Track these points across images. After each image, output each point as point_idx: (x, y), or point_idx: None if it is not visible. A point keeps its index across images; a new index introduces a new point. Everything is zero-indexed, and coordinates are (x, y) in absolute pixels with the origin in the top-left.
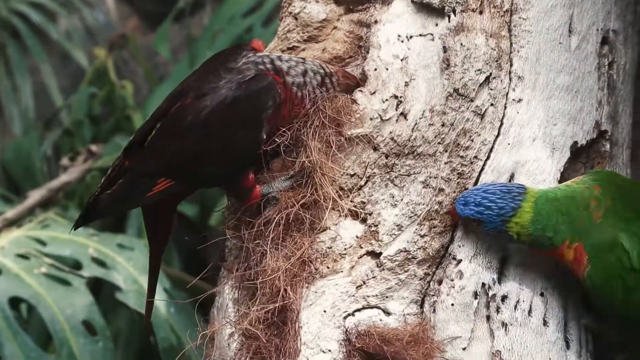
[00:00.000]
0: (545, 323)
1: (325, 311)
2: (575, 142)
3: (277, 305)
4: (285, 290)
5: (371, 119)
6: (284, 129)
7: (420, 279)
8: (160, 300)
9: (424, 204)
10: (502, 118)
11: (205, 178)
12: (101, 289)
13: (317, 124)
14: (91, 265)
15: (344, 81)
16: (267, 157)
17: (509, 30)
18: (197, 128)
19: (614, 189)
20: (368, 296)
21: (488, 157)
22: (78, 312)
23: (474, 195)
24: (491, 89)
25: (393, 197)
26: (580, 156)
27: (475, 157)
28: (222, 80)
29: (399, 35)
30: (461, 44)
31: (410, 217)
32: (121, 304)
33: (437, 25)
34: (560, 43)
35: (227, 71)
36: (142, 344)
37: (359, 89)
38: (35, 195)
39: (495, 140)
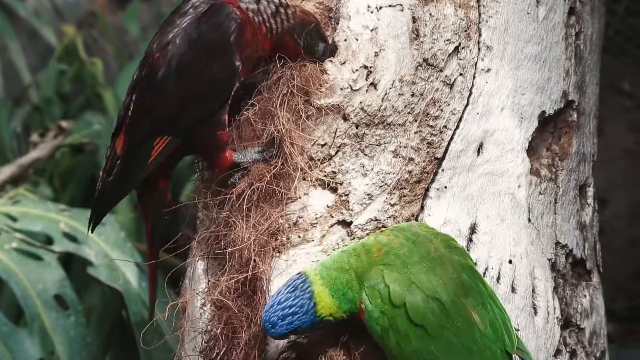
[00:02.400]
0: (513, 290)
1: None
2: (543, 112)
3: (246, 274)
4: (255, 260)
5: (341, 89)
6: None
7: None
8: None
9: (394, 173)
10: (471, 88)
11: (194, 123)
12: (73, 265)
13: (286, 92)
14: (62, 241)
15: (301, 15)
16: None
17: (478, 1)
18: (173, 75)
19: (409, 237)
20: None
21: (457, 127)
22: (49, 286)
23: (273, 313)
24: (460, 59)
25: (363, 166)
26: (548, 125)
27: (445, 126)
28: (179, 24)
29: (368, 6)
30: (430, 14)
31: (381, 186)
32: (94, 280)
33: None
34: (528, 13)
35: (182, 16)
36: (114, 320)
37: (329, 59)
38: (5, 172)
39: (464, 110)
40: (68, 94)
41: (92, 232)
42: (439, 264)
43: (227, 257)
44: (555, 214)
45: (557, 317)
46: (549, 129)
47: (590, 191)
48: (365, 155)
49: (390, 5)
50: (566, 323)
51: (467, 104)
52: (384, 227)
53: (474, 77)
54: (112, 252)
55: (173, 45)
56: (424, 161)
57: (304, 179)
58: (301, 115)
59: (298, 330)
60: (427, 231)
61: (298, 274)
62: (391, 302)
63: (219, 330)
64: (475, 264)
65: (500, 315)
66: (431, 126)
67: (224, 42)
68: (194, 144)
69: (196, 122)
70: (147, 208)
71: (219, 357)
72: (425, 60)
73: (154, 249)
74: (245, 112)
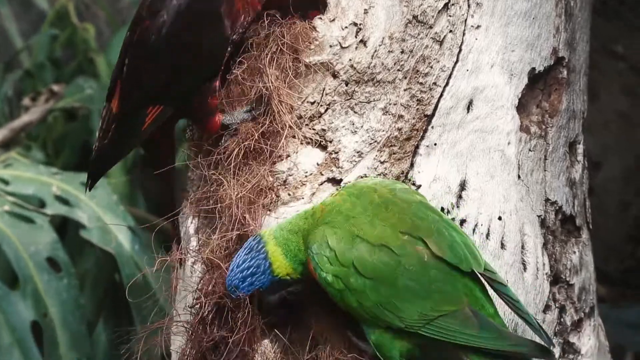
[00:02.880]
0: (502, 246)
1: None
2: (533, 69)
3: (236, 232)
4: (244, 217)
5: (330, 46)
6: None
7: None
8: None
9: (383, 131)
10: (461, 44)
11: (186, 93)
12: (68, 230)
13: (275, 50)
14: (55, 204)
15: None
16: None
17: None
18: (163, 44)
19: (352, 192)
20: None
21: (447, 84)
22: (42, 249)
23: (234, 277)
24: (450, 16)
25: (353, 124)
26: (538, 82)
27: (434, 83)
28: None
29: None
30: None
31: (370, 143)
32: (88, 245)
33: None
34: None
35: None
36: (107, 282)
37: (318, 16)
38: None
39: (454, 67)
40: (60, 59)
41: (89, 190)
42: (384, 209)
43: (217, 215)
44: (545, 170)
45: (546, 273)
46: (539, 86)
47: (580, 148)
48: (355, 112)
49: None
50: (555, 279)
51: (457, 61)
52: None
53: (464, 34)
54: (104, 215)
55: (163, 14)
56: (413, 118)
57: (294, 137)
58: (290, 73)
59: (260, 293)
60: (373, 183)
61: (253, 236)
62: (340, 263)
63: (209, 288)
64: (465, 220)
65: (461, 238)
66: (421, 83)
67: (212, 11)
68: (185, 109)
69: (188, 92)
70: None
71: (210, 315)
72: (414, 17)
73: None
74: (234, 70)
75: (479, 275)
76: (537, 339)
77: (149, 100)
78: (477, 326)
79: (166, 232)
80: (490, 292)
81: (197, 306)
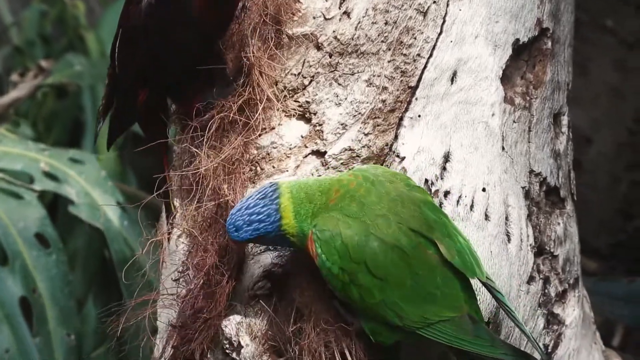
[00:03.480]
0: (486, 217)
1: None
2: (517, 40)
3: (216, 202)
4: (221, 187)
5: (314, 17)
6: None
7: None
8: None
9: (367, 103)
10: (445, 15)
11: (172, 77)
12: (58, 208)
13: (258, 21)
14: (43, 180)
15: None
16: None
17: None
18: (143, 30)
19: (368, 177)
20: None
21: (431, 55)
22: (30, 225)
23: (240, 217)
24: None
25: (337, 96)
26: (523, 54)
27: (418, 54)
28: None
29: None
30: None
31: (355, 115)
32: (79, 222)
33: None
34: None
35: None
36: (97, 259)
37: None
38: None
39: (437, 38)
40: (50, 36)
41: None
42: (400, 203)
43: (197, 187)
44: (529, 142)
45: (530, 245)
46: (523, 57)
47: (565, 119)
48: (339, 84)
49: None
50: (540, 250)
51: (441, 32)
52: (357, 156)
53: (448, 5)
54: (92, 190)
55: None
56: (397, 90)
57: (278, 109)
58: (272, 45)
59: (259, 239)
60: (387, 172)
61: (271, 183)
62: (350, 258)
63: (195, 261)
64: (449, 192)
65: (467, 246)
66: (404, 55)
67: (186, 17)
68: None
69: (172, 81)
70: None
71: (196, 287)
72: None
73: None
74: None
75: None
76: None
77: (136, 83)
78: (472, 333)
79: (156, 208)
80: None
81: (182, 279)
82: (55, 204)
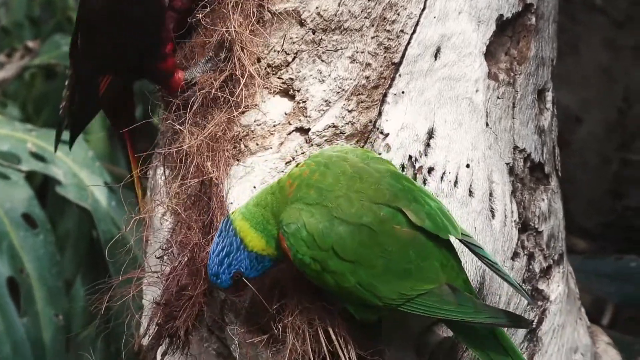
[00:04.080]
0: (470, 194)
1: (255, 187)
2: (501, 15)
3: (200, 179)
4: (205, 165)
5: None
6: None
7: None
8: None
9: (351, 79)
10: None
11: (131, 63)
12: (48, 191)
13: None
14: (30, 160)
15: None
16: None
17: None
18: (101, 14)
19: (321, 161)
20: None
21: (414, 31)
22: (17, 205)
23: (213, 265)
24: None
25: (321, 72)
26: (506, 29)
27: (402, 30)
28: None
29: None
30: None
31: (338, 92)
32: (69, 204)
33: None
34: None
35: None
36: (85, 240)
37: None
38: None
39: (421, 14)
40: (38, 17)
41: (70, 149)
42: (358, 180)
43: (182, 164)
44: (513, 118)
45: (514, 221)
46: (507, 33)
47: (549, 96)
48: (323, 61)
49: None
50: (524, 226)
51: (424, 8)
52: (341, 133)
53: None
54: (80, 171)
55: None
56: (381, 66)
57: (260, 85)
58: (254, 20)
59: (244, 275)
60: (341, 151)
61: (223, 219)
62: (318, 247)
63: (179, 239)
64: (433, 168)
65: (436, 205)
66: (388, 31)
67: None
68: (142, 74)
69: (131, 63)
70: (119, 126)
71: (180, 265)
72: None
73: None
74: (197, 14)
75: (455, 241)
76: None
77: (97, 70)
78: (456, 302)
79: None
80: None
81: (166, 257)
82: (45, 186)
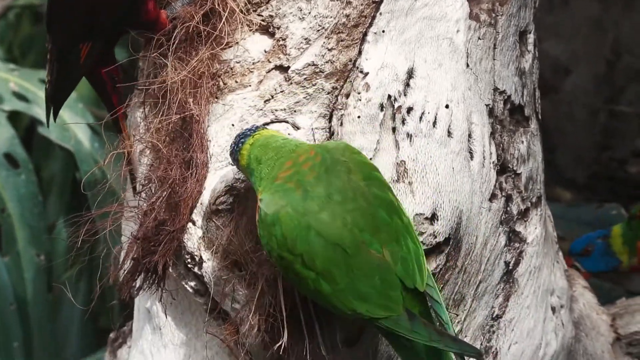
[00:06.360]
0: (449, 134)
1: (233, 125)
2: None
3: (181, 115)
4: (187, 101)
5: None
6: None
7: (328, 93)
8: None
9: (331, 17)
10: None
11: (110, 27)
12: (34, 133)
13: None
14: (12, 100)
15: None
16: None
17: None
18: None
19: (326, 161)
20: (276, 110)
21: None
22: None
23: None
24: None
25: (301, 10)
26: None
27: None
28: None
29: None
30: None
31: (318, 30)
32: (53, 147)
33: None
34: None
35: None
36: (67, 181)
37: None
38: None
39: None
40: None
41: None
42: (352, 199)
43: (161, 100)
44: (494, 59)
45: (493, 162)
46: None
47: (531, 38)
48: None
49: None
50: (502, 168)
51: None
52: (321, 71)
53: None
54: (62, 112)
55: None
56: (361, 5)
57: (241, 21)
58: None
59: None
60: (351, 159)
61: (258, 126)
62: (288, 249)
63: (159, 174)
64: (412, 108)
65: (415, 250)
66: None
67: None
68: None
69: (110, 27)
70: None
71: (159, 200)
72: None
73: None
74: None
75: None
76: None
77: (76, 38)
78: (409, 328)
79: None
80: None
81: (144, 192)
82: (32, 129)
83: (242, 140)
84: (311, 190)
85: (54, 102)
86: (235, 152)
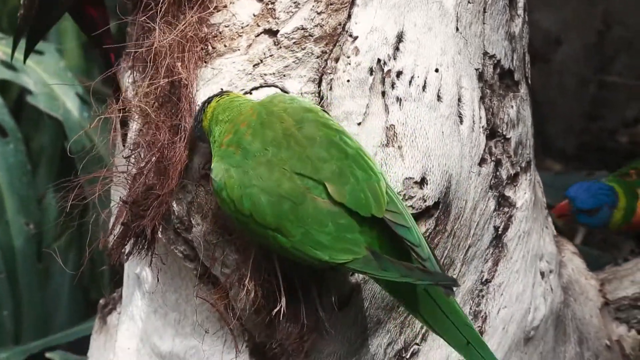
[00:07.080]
0: (439, 98)
1: (222, 89)
2: None
3: (169, 79)
4: (175, 65)
5: None
6: None
7: (318, 57)
8: None
9: None
10: None
11: None
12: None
13: None
14: (0, 69)
15: None
16: None
17: None
18: None
19: (262, 116)
20: (265, 74)
21: None
22: None
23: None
24: None
25: None
26: None
27: None
28: None
29: None
30: None
31: None
32: (42, 118)
33: None
34: None
35: None
36: (57, 150)
37: None
38: None
39: None
40: None
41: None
42: (285, 147)
43: (149, 64)
44: (484, 23)
45: (482, 127)
46: None
47: (521, 2)
48: None
49: None
50: (492, 133)
51: None
52: (310, 35)
53: None
54: (50, 80)
55: None
56: None
57: None
58: None
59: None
60: (284, 106)
61: (227, 91)
62: (238, 211)
63: (147, 139)
64: (401, 72)
65: (365, 178)
66: None
67: None
68: None
69: None
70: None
71: (148, 164)
72: None
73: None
74: None
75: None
76: None
77: None
78: (378, 268)
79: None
80: None
81: (133, 157)
82: (20, 98)
83: (209, 100)
84: (249, 148)
85: (32, 35)
86: (199, 113)
